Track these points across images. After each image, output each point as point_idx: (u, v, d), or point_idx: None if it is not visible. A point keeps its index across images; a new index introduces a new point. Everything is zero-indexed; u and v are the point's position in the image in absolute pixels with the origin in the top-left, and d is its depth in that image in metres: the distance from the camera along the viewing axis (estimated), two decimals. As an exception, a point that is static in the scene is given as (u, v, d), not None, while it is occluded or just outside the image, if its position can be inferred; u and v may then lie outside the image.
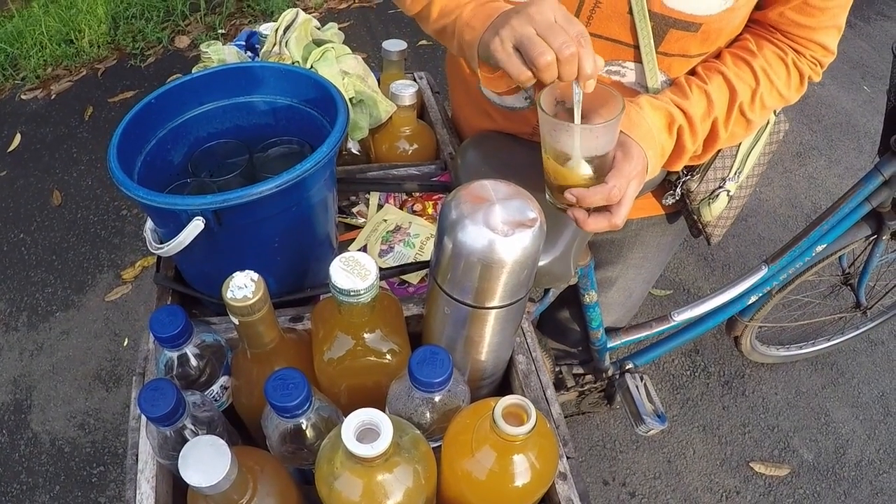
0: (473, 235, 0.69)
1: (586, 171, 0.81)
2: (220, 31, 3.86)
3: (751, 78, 0.96)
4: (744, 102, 0.96)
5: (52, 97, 3.58)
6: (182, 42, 3.85)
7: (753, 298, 1.77)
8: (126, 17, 3.91)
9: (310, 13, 3.89)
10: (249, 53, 1.26)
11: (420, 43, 3.76)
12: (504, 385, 0.97)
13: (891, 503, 2.11)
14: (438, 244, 0.74)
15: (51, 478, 2.16)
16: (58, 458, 2.21)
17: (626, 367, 1.77)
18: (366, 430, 0.62)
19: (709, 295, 1.72)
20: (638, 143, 0.87)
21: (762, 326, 2.17)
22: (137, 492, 0.82)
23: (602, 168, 0.82)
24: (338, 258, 0.70)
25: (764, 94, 0.97)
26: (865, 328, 2.34)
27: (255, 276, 0.71)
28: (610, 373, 1.77)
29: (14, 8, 4.05)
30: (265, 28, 1.24)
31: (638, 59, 0.96)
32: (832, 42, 0.99)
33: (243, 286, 0.70)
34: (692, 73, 0.99)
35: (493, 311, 0.77)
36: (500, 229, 0.69)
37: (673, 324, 1.70)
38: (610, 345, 1.65)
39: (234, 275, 0.71)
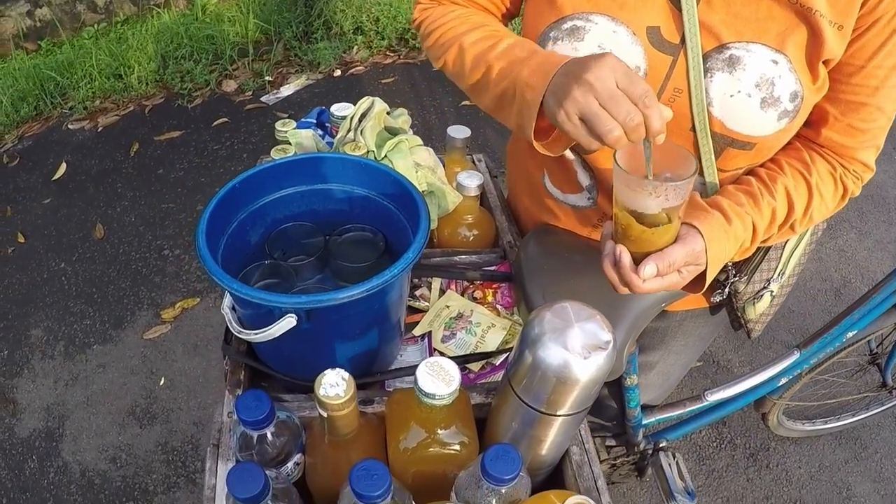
0: (553, 355, 0.75)
1: (648, 224, 0.83)
2: (267, 77, 3.95)
3: (806, 194, 0.99)
4: (797, 219, 1.00)
5: (99, 129, 3.67)
6: (229, 86, 3.94)
7: (784, 380, 1.80)
8: (175, 56, 4.01)
9: (355, 66, 4.03)
10: (320, 131, 1.33)
11: (463, 103, 3.82)
12: (557, 472, 1.02)
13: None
14: (519, 356, 0.79)
15: (79, 508, 2.18)
16: (87, 490, 2.24)
17: (661, 445, 1.80)
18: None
19: (741, 376, 1.75)
20: (706, 256, 0.90)
21: (790, 404, 2.19)
22: (214, 559, 0.87)
23: (667, 229, 0.84)
24: (424, 363, 0.76)
25: (814, 210, 1.01)
26: (890, 405, 2.35)
27: (346, 375, 0.76)
28: (642, 447, 1.80)
29: (65, 37, 4.17)
30: (337, 109, 1.31)
31: (699, 172, 1.01)
32: (871, 159, 1.03)
33: (335, 384, 0.76)
34: (756, 175, 1.01)
35: (561, 418, 0.83)
36: (577, 352, 0.75)
37: (706, 403, 1.74)
38: (645, 422, 1.69)
39: (325, 372, 0.77)
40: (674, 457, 1.78)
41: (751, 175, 1.01)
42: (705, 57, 0.92)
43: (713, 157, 0.98)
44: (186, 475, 2.26)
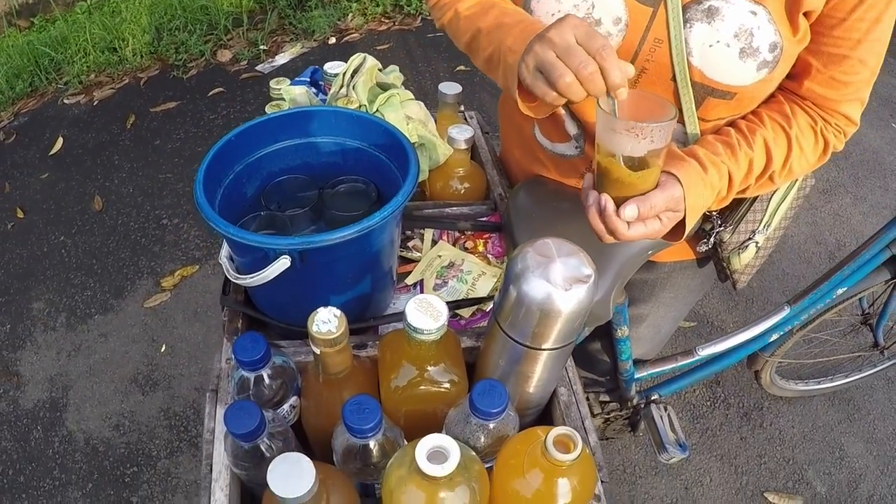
0: (536, 288, 0.78)
1: (633, 170, 0.85)
2: (261, 46, 3.94)
3: (785, 145, 1.01)
4: (776, 171, 1.02)
5: (95, 103, 3.67)
6: (224, 56, 3.94)
7: (775, 336, 1.82)
8: (170, 28, 4.01)
9: (350, 33, 4.02)
10: (313, 89, 1.34)
11: (458, 68, 3.83)
12: (546, 414, 1.05)
13: (901, 538, 2.14)
14: (504, 291, 0.82)
15: (84, 475, 2.23)
16: (92, 457, 2.28)
17: (652, 398, 1.83)
18: (435, 453, 0.70)
19: (732, 332, 1.78)
20: (685, 203, 0.92)
21: (782, 362, 2.22)
22: (212, 499, 0.89)
23: (649, 174, 0.86)
24: (413, 299, 0.78)
25: (794, 162, 1.02)
26: (883, 366, 2.38)
27: (338, 312, 0.79)
28: (635, 402, 1.83)
29: (58, 12, 4.16)
30: (329, 67, 1.33)
31: (679, 121, 1.02)
32: (855, 113, 1.04)
33: (328, 321, 0.78)
34: (735, 127, 1.03)
35: (546, 352, 0.86)
36: (559, 284, 0.77)
37: (697, 358, 1.76)
38: (637, 376, 1.71)
39: (318, 310, 0.79)
40: (665, 409, 1.81)
41: (731, 126, 1.03)
42: (685, 8, 0.94)
43: (694, 106, 0.99)
44: (189, 440, 2.30)
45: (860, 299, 2.05)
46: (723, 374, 2.53)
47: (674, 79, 0.97)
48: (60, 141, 3.45)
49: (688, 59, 0.95)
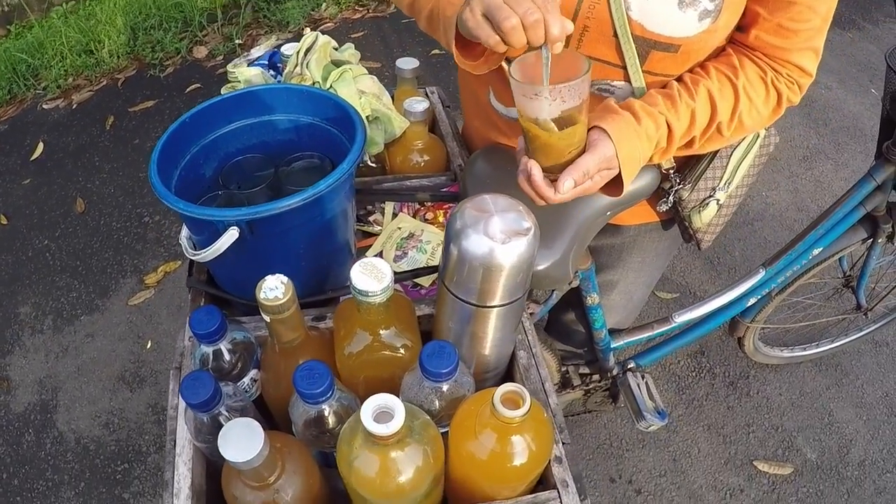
0: (475, 243, 0.78)
1: (555, 131, 0.85)
2: (237, 41, 3.93)
3: (732, 96, 1.00)
4: (723, 122, 1.01)
5: (74, 107, 3.67)
6: (200, 52, 3.93)
7: (753, 300, 1.82)
8: (145, 27, 4.00)
9: (325, 23, 4.01)
10: (272, 72, 1.35)
11: (433, 52, 3.82)
12: (507, 378, 1.05)
13: (893, 502, 2.15)
14: (445, 250, 0.82)
15: (76, 475, 2.24)
16: (83, 456, 2.29)
17: (629, 367, 1.84)
18: (382, 413, 0.71)
19: (708, 297, 1.78)
20: (617, 159, 0.92)
21: (765, 328, 2.22)
22: (175, 472, 0.90)
23: (572, 132, 0.86)
24: (358, 263, 0.79)
25: (743, 113, 1.02)
26: (868, 330, 2.38)
27: (285, 279, 0.79)
28: (615, 372, 1.84)
29: (34, 18, 4.15)
30: (287, 49, 1.33)
31: (626, 79, 1.02)
32: (809, 64, 1.02)
33: (274, 288, 0.79)
34: (679, 80, 1.03)
35: (494, 310, 0.86)
36: (498, 238, 0.78)
37: (674, 325, 1.76)
38: (614, 345, 1.72)
39: (265, 278, 0.80)
40: (642, 377, 1.82)
41: (676, 80, 1.02)
42: None
43: (637, 60, 0.99)
44: (176, 431, 2.31)
45: (840, 260, 2.04)
46: (707, 343, 2.54)
47: (615, 35, 0.97)
48: (41, 146, 3.45)
49: (627, 14, 0.94)
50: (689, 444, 2.26)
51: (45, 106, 3.70)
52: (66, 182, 3.25)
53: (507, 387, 0.75)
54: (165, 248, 2.92)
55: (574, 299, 1.51)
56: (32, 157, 3.40)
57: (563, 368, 1.82)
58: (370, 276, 0.78)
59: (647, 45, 0.97)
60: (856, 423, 2.34)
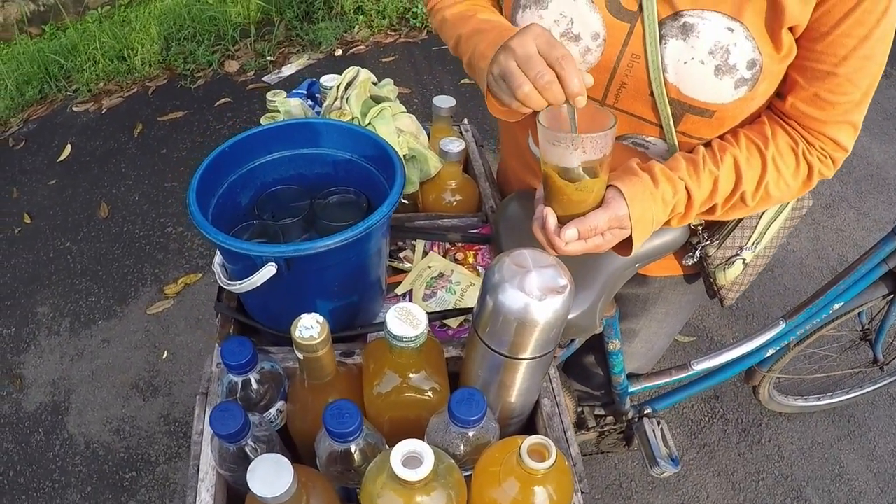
0: (512, 298, 0.80)
1: (574, 181, 0.86)
2: (268, 57, 3.97)
3: (759, 166, 0.99)
4: (747, 192, 0.99)
5: (103, 111, 3.71)
6: (231, 67, 3.97)
7: (771, 351, 1.82)
8: (178, 38, 4.05)
9: (356, 45, 4.05)
10: (310, 102, 1.37)
11: (462, 82, 3.84)
12: (529, 424, 1.06)
13: (899, 558, 2.12)
14: (481, 301, 0.84)
15: (83, 478, 2.26)
16: (91, 461, 2.30)
17: (645, 412, 1.83)
18: (411, 458, 0.72)
19: (727, 346, 1.78)
20: (629, 219, 0.92)
21: (780, 377, 2.21)
22: (198, 498, 0.91)
23: (590, 185, 0.87)
24: (393, 308, 0.80)
25: (770, 184, 1.00)
26: (883, 383, 2.36)
27: (321, 318, 0.81)
28: (630, 415, 1.84)
29: (69, 20, 4.21)
30: (326, 80, 1.35)
31: (661, 136, 1.03)
32: (845, 138, 0.99)
33: (310, 327, 0.80)
34: (707, 145, 1.01)
35: (525, 362, 0.87)
36: (534, 294, 0.79)
37: (692, 372, 1.76)
38: (631, 389, 1.72)
39: (302, 316, 0.81)
40: (658, 423, 1.81)
41: (704, 145, 1.01)
42: (661, 24, 0.93)
43: (671, 121, 0.99)
44: (188, 446, 2.30)
45: (859, 314, 2.03)
46: (721, 388, 2.52)
47: (652, 94, 0.98)
48: (69, 148, 3.49)
49: (664, 76, 0.95)
50: (699, 489, 2.25)
51: (74, 108, 3.74)
52: (92, 186, 3.28)
53: (535, 439, 0.75)
54: (187, 260, 2.94)
55: (595, 343, 1.51)
56: (59, 159, 3.44)
57: (579, 409, 1.83)
58: (406, 322, 0.79)
59: (683, 107, 0.98)
60: (865, 476, 2.31)
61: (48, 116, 3.73)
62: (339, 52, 4.07)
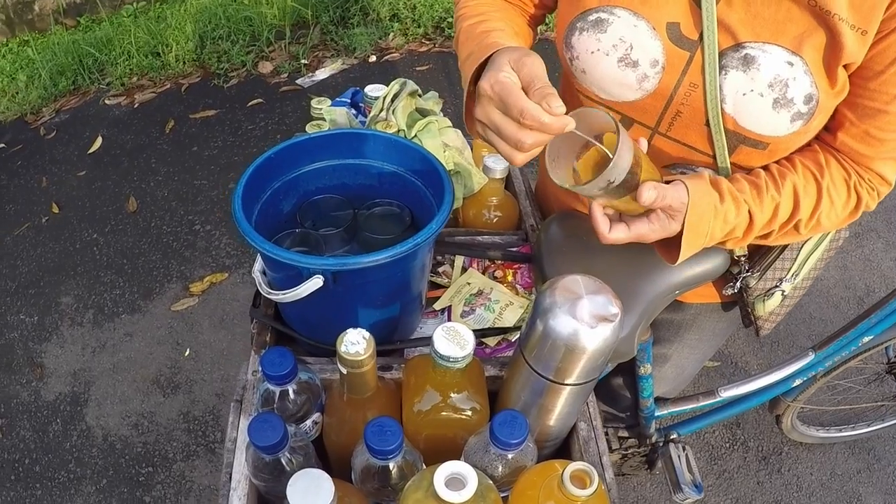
0: (563, 323, 0.79)
1: (617, 197, 0.86)
2: (303, 60, 3.99)
3: (815, 195, 0.99)
4: (802, 220, 0.99)
5: (136, 106, 3.74)
6: (265, 68, 3.99)
7: (798, 381, 1.81)
8: (213, 37, 4.08)
9: (391, 52, 4.06)
10: (353, 111, 1.37)
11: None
12: (564, 447, 1.05)
13: None
14: (531, 324, 0.83)
15: (99, 471, 2.27)
16: (108, 454, 2.32)
17: (671, 437, 1.82)
18: (453, 479, 0.72)
19: (755, 374, 1.77)
20: (685, 219, 0.91)
21: (804, 407, 2.20)
22: (229, 506, 0.91)
23: (625, 203, 0.88)
24: (441, 327, 0.80)
25: (823, 213, 1.00)
26: (907, 417, 2.35)
27: (367, 334, 0.80)
28: (654, 439, 1.83)
29: (104, 14, 4.25)
30: (371, 90, 1.35)
31: (710, 166, 1.02)
32: (890, 173, 1.01)
33: (356, 342, 0.80)
34: (766, 169, 1.01)
35: (569, 388, 0.87)
36: (585, 321, 0.79)
37: (719, 399, 1.76)
38: (657, 413, 1.71)
39: (347, 331, 0.81)
40: (683, 449, 1.80)
41: (763, 169, 1.01)
42: (721, 54, 0.93)
43: (726, 152, 0.99)
44: (206, 444, 2.32)
45: (886, 348, 2.03)
46: (744, 415, 2.50)
47: (707, 124, 0.97)
48: (99, 140, 3.52)
49: (721, 106, 0.95)
50: (716, 517, 2.23)
51: (107, 101, 3.78)
52: (121, 179, 3.30)
53: (578, 465, 0.75)
54: (213, 259, 2.96)
55: (626, 366, 1.51)
56: (90, 151, 3.47)
57: (604, 430, 1.82)
58: (453, 342, 0.79)
59: (737, 139, 0.97)
60: (883, 510, 2.28)
61: (80, 108, 3.77)
62: (373, 59, 4.08)
